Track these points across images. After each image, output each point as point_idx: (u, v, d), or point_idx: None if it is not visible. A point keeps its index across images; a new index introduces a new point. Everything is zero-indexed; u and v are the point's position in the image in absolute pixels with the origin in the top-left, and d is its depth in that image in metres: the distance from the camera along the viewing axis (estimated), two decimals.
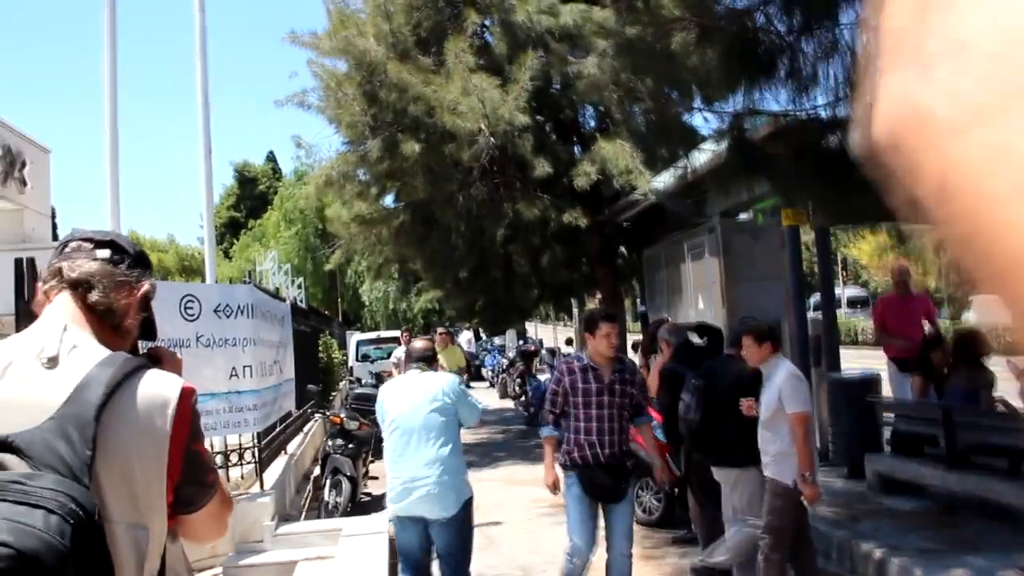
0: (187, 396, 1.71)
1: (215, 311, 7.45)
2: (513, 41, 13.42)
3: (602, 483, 5.84)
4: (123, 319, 1.83)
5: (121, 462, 1.58)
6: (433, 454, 5.32)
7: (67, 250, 1.83)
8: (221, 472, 6.77)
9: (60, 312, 1.75)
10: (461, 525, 5.43)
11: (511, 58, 13.23)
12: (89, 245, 1.84)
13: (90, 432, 1.52)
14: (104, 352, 1.68)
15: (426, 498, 5.28)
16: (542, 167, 12.77)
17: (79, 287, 1.77)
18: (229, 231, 58.37)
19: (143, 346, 2.03)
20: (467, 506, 5.47)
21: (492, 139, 12.47)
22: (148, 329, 1.97)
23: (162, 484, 1.64)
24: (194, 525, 1.81)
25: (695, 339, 7.13)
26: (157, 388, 1.67)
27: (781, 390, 5.32)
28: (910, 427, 7.61)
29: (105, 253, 1.83)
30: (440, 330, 15.45)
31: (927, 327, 8.96)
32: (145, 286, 1.89)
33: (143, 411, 1.63)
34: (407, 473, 5.33)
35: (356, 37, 13.52)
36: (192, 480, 1.73)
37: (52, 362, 1.62)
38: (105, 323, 1.79)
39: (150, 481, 1.62)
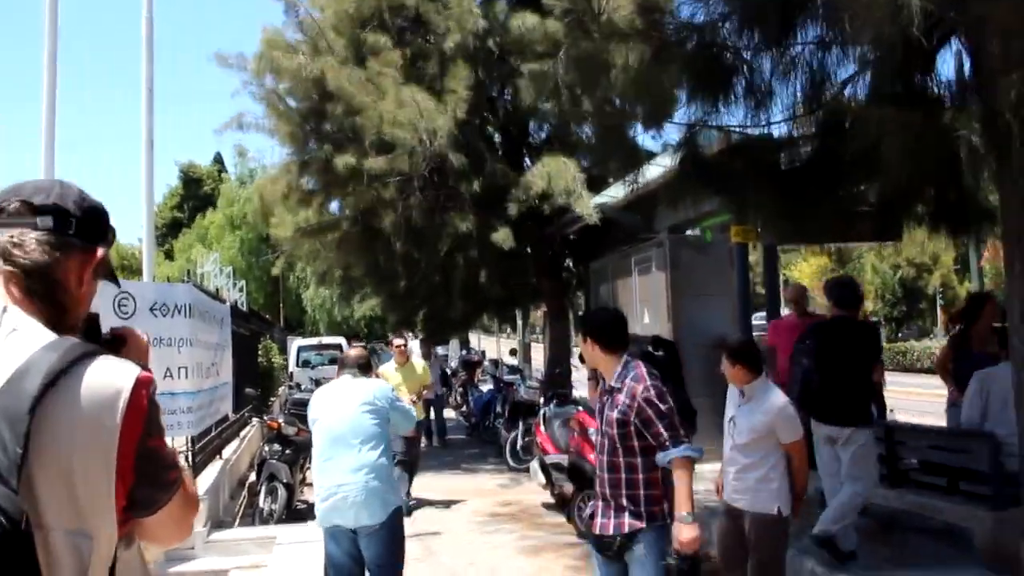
0: (142, 386, 1.49)
1: (151, 309, 7.25)
2: (447, 56, 13.32)
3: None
4: (72, 296, 1.62)
5: (61, 462, 1.38)
6: (361, 460, 5.17)
7: (2, 216, 1.59)
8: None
9: None
10: (391, 534, 5.25)
11: (443, 70, 13.16)
12: (29, 211, 1.59)
13: (22, 427, 1.32)
14: (49, 336, 1.47)
15: (352, 505, 5.12)
16: (473, 185, 12.78)
17: (15, 273, 1.55)
18: (172, 232, 57.37)
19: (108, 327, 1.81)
20: (396, 515, 5.30)
21: (431, 149, 12.37)
22: (109, 275, 1.78)
23: (110, 486, 1.43)
24: (153, 528, 1.62)
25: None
26: (107, 377, 1.46)
27: (777, 419, 5.06)
28: None
29: (48, 221, 1.59)
30: (397, 342, 11.34)
31: None
32: (100, 252, 1.67)
33: (88, 403, 1.42)
34: (334, 480, 5.18)
35: (284, 58, 13.42)
36: (149, 480, 1.52)
37: None
38: (51, 304, 1.57)
39: (95, 483, 1.42)
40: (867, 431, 6.18)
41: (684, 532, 4.07)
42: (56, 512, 1.38)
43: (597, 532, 4.32)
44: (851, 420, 6.16)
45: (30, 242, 1.57)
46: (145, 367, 1.60)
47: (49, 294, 1.57)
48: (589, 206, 11.80)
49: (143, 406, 1.49)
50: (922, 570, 5.98)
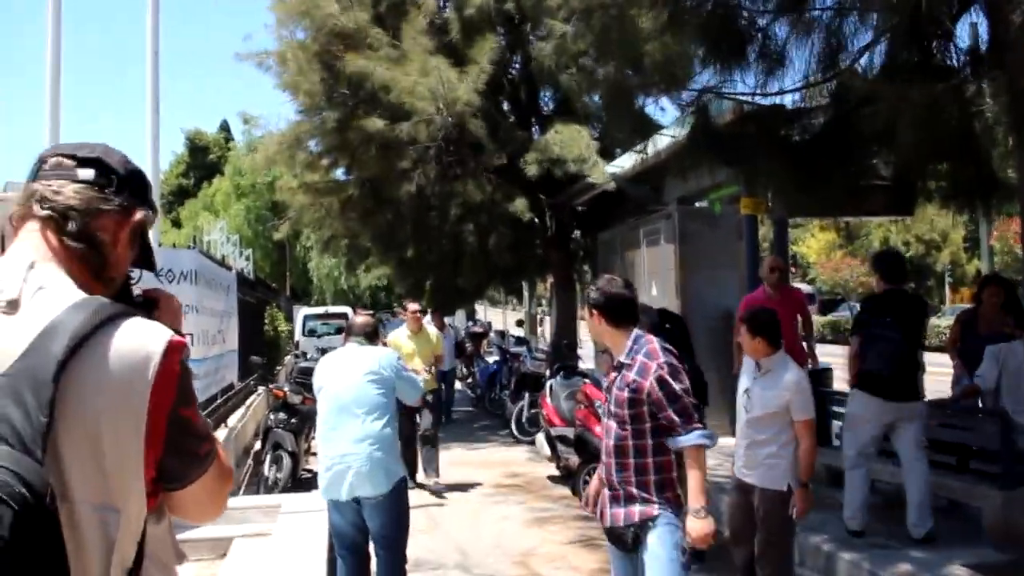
0: (174, 350, 1.39)
1: (156, 275, 7.18)
2: (471, 23, 13.21)
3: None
4: (108, 256, 1.53)
5: (88, 430, 1.30)
6: (365, 430, 5.09)
7: (44, 168, 1.52)
8: None
9: (28, 246, 1.46)
10: (394, 505, 5.17)
11: (469, 39, 13.05)
12: (71, 163, 1.52)
13: (47, 394, 1.24)
14: (78, 295, 1.38)
15: (356, 475, 5.04)
16: (495, 153, 12.69)
17: (53, 217, 1.47)
18: (178, 200, 57.29)
19: (140, 288, 1.73)
20: (400, 485, 5.21)
21: (449, 120, 12.31)
22: (146, 260, 1.69)
23: (139, 456, 1.35)
24: (184, 502, 1.53)
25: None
26: (137, 340, 1.36)
27: (792, 394, 4.91)
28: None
29: (89, 174, 1.51)
30: (412, 307, 10.72)
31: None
32: (138, 215, 1.59)
33: (117, 367, 1.32)
34: (338, 450, 5.10)
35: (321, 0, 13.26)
36: (179, 451, 1.44)
37: (12, 306, 1.35)
38: (85, 261, 1.49)
39: (124, 452, 1.33)
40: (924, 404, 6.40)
41: (696, 527, 3.77)
42: (82, 484, 1.29)
43: (608, 525, 3.95)
44: (918, 394, 6.30)
45: (68, 190, 1.49)
46: (178, 331, 1.53)
47: (86, 244, 1.49)
48: (604, 172, 11.74)
49: (175, 371, 1.40)
50: (930, 549, 5.93)
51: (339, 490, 5.10)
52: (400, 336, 10.26)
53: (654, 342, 3.85)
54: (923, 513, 6.07)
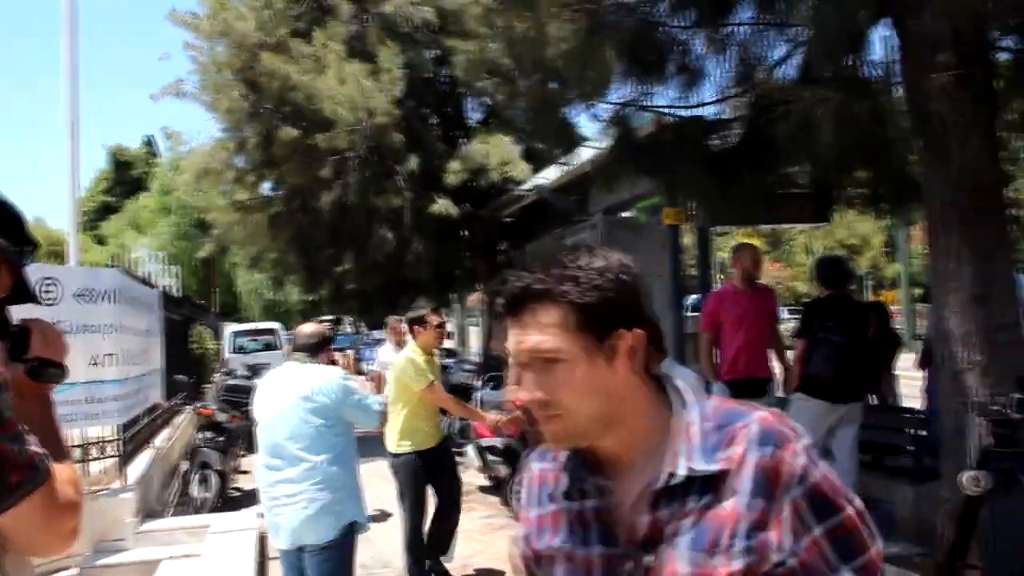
0: None
1: (76, 295, 7.05)
2: (388, 31, 13.27)
3: None
4: None
5: None
6: (305, 468, 4.41)
7: None
8: (81, 466, 6.40)
9: None
10: (340, 555, 4.52)
11: (382, 47, 13.11)
12: None
13: None
14: None
15: (298, 521, 4.41)
16: (412, 162, 12.75)
17: None
18: (102, 216, 55.98)
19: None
20: (348, 532, 4.55)
21: (368, 129, 12.35)
22: (21, 291, 1.64)
23: None
24: (12, 534, 1.46)
25: None
26: None
27: None
28: None
29: None
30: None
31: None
32: None
33: None
34: (275, 492, 4.50)
35: (235, 20, 13.21)
36: None
37: None
38: None
39: None
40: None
41: None
42: None
43: None
44: (860, 396, 6.53)
45: None
46: (52, 360, 1.53)
47: None
48: (527, 171, 11.89)
49: None
50: None
51: (280, 538, 4.57)
52: (419, 360, 6.75)
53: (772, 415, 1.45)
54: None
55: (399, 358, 6.91)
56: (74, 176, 9.22)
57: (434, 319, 6.77)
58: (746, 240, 44.42)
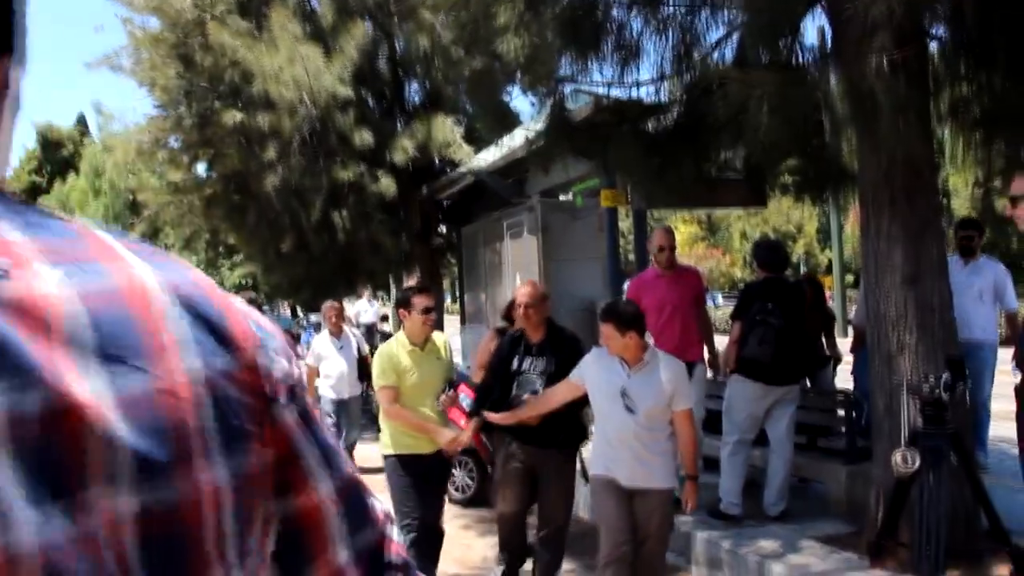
0: None
1: None
2: (341, 9, 13.02)
3: None
4: None
5: None
6: None
7: None
8: None
9: None
10: None
11: (336, 28, 12.84)
12: None
13: None
14: None
15: None
16: (362, 137, 12.54)
17: None
18: (30, 198, 54.18)
19: None
20: None
21: (314, 110, 12.13)
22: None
23: None
24: None
25: None
26: None
27: (676, 385, 4.68)
28: (717, 406, 7.78)
29: None
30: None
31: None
32: None
33: None
34: None
35: None
36: None
37: None
38: None
39: None
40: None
41: None
42: None
43: None
44: (797, 378, 6.59)
45: None
46: None
47: None
48: (469, 153, 11.81)
49: None
50: (784, 524, 6.17)
51: None
52: (398, 352, 5.49)
53: None
54: (782, 493, 6.33)
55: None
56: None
57: (419, 301, 5.37)
58: (683, 225, 44.61)
